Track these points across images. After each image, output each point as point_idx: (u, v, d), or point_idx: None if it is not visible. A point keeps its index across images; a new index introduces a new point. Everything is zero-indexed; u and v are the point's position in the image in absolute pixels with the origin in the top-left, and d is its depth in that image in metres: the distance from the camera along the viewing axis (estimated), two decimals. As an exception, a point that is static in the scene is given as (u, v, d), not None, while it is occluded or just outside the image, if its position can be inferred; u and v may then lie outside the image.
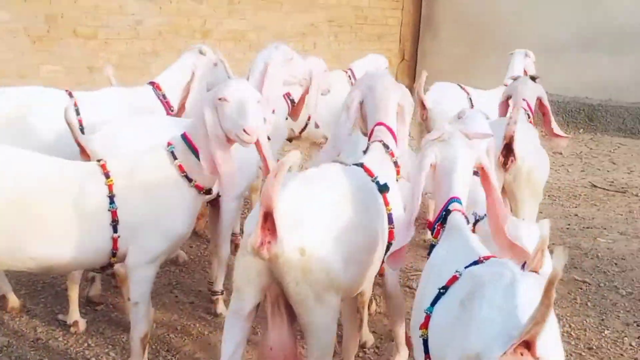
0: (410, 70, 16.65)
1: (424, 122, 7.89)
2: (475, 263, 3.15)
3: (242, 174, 5.42)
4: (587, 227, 8.68)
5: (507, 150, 5.35)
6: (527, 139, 5.60)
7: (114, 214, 4.26)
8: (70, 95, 5.84)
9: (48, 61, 9.88)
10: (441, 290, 3.13)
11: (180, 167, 4.41)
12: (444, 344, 2.96)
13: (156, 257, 4.46)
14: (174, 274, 6.63)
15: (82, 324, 5.41)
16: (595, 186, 10.61)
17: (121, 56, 10.80)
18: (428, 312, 3.16)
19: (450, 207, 3.53)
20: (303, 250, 3.46)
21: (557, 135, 6.72)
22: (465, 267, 3.14)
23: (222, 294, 5.82)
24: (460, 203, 3.57)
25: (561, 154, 12.60)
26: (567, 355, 5.29)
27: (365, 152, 4.43)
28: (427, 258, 3.56)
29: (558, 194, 10.12)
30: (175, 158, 4.42)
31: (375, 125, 4.45)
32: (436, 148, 3.70)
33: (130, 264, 4.40)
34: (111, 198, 4.28)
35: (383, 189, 4.10)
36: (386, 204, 4.10)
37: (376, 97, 4.51)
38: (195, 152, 4.39)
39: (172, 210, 4.43)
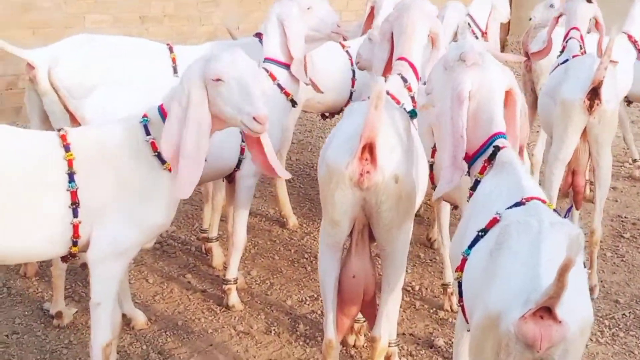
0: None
1: (528, 73, 7.16)
2: (517, 205, 2.95)
3: None
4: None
5: (593, 94, 5.10)
6: (609, 78, 5.19)
7: (73, 194, 3.53)
8: (171, 50, 5.33)
9: (94, 10, 9.18)
10: (480, 233, 2.98)
11: (152, 145, 3.63)
12: (474, 294, 2.85)
13: (125, 250, 3.68)
14: (193, 255, 5.85)
15: (66, 316, 4.72)
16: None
17: (177, 5, 10.01)
18: (465, 255, 3.05)
19: (498, 144, 3.31)
20: (397, 178, 3.51)
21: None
22: (507, 209, 2.95)
23: (235, 282, 5.03)
24: (506, 139, 3.35)
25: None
26: None
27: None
28: (470, 194, 3.37)
29: None
30: (148, 133, 3.65)
31: (397, 60, 4.34)
32: (472, 73, 3.38)
33: (93, 256, 3.64)
34: (70, 175, 3.52)
35: (413, 115, 4.03)
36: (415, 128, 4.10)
37: (401, 30, 4.35)
38: None
39: (144, 195, 3.67)
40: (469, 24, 7.09)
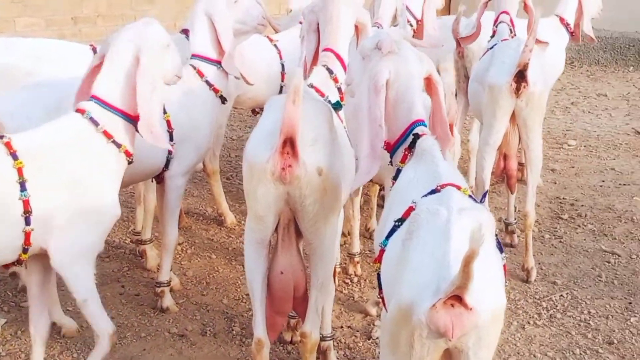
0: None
1: (460, 59, 7.16)
2: (432, 192, 2.95)
3: (192, 145, 4.86)
4: (624, 184, 7.57)
5: (520, 77, 5.13)
6: (535, 60, 5.25)
7: (25, 203, 3.54)
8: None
9: (24, 13, 8.98)
10: (396, 223, 2.97)
11: (105, 133, 3.82)
12: (389, 285, 2.88)
13: (91, 248, 3.81)
14: (127, 258, 5.76)
15: (-6, 325, 4.61)
16: (639, 133, 9.40)
17: (110, 4, 9.85)
18: (382, 246, 3.04)
19: (417, 131, 3.33)
20: (321, 170, 3.48)
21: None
22: (422, 197, 2.93)
23: (168, 284, 4.95)
24: (426, 126, 3.39)
25: (606, 95, 11.40)
26: (581, 352, 4.50)
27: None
28: (393, 184, 3.38)
29: (596, 143, 8.98)
30: (97, 124, 3.80)
31: (323, 51, 4.27)
32: (389, 62, 3.43)
33: (60, 261, 3.72)
34: (22, 184, 3.52)
35: (337, 106, 4.01)
36: (341, 120, 4.05)
37: (326, 20, 4.29)
38: (116, 111, 3.87)
39: (99, 190, 3.81)
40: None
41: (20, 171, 3.52)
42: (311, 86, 4.09)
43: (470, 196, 3.02)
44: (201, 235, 6.19)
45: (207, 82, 4.94)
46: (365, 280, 5.48)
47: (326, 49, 4.27)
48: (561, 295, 5.32)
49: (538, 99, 5.31)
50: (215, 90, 4.98)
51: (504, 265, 2.91)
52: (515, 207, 6.31)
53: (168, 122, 4.64)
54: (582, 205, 6.99)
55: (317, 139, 3.56)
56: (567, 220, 6.67)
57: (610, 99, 11.28)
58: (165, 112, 4.61)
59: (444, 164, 3.21)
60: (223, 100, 5.05)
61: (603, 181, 7.66)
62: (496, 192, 7.12)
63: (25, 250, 3.60)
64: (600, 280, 5.55)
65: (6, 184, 3.50)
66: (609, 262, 5.84)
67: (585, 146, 8.87)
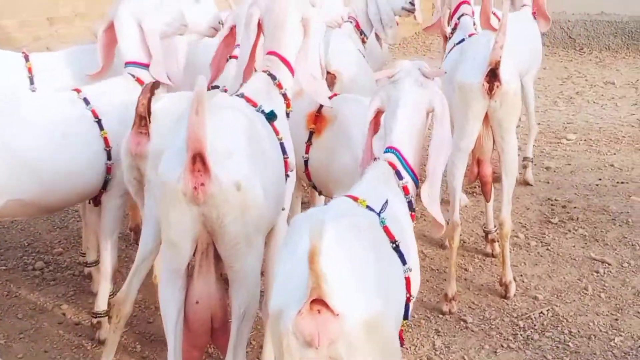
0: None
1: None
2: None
3: None
4: (622, 182, 7.10)
5: (492, 76, 4.71)
6: (507, 57, 4.77)
7: None
8: (27, 58, 4.89)
9: (-2, 15, 8.65)
10: None
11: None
12: None
13: None
14: (75, 281, 5.37)
15: None
16: (644, 125, 8.92)
17: (89, 2, 9.48)
18: None
19: (382, 156, 3.36)
20: (239, 185, 3.16)
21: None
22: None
23: (105, 314, 4.55)
24: (397, 155, 3.35)
25: (613, 83, 10.90)
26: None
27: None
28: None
29: (597, 137, 8.51)
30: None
31: (266, 55, 3.93)
32: (384, 91, 3.55)
33: None
34: None
35: (270, 117, 3.68)
36: (276, 132, 3.70)
37: (271, 20, 3.93)
38: None
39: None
40: None
41: None
42: (242, 96, 3.73)
43: (368, 206, 2.95)
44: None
45: None
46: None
47: (270, 52, 3.92)
48: (541, 313, 4.88)
49: (513, 98, 4.84)
50: None
51: (407, 277, 2.91)
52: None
53: (105, 139, 4.27)
54: (575, 207, 6.53)
55: (232, 151, 3.24)
56: (557, 224, 6.22)
57: (618, 87, 10.79)
58: (101, 129, 4.26)
59: (370, 177, 3.26)
60: None
61: (600, 179, 7.19)
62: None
63: None
64: (586, 294, 5.11)
65: None
66: (597, 272, 5.39)
67: (585, 140, 8.40)
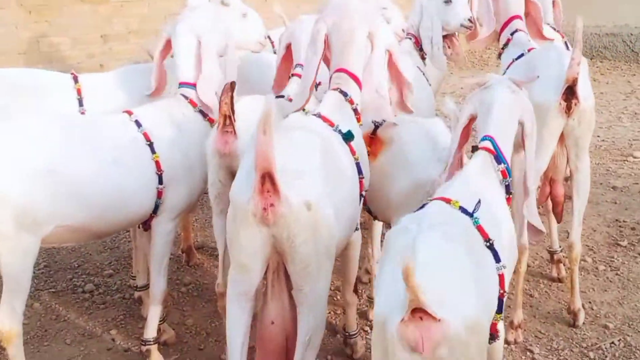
0: None
1: None
2: (422, 208, 3.12)
3: (185, 188, 4.31)
4: None
5: (569, 93, 4.53)
6: (583, 73, 4.62)
7: None
8: (76, 80, 4.78)
9: (50, 32, 8.58)
10: None
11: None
12: None
13: None
14: (125, 305, 5.22)
15: None
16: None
17: (142, 19, 9.41)
18: None
19: (480, 144, 3.40)
20: (309, 205, 3.11)
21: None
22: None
23: (155, 342, 4.39)
24: (493, 142, 3.38)
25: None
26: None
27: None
28: None
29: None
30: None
31: (335, 72, 3.93)
32: (476, 97, 3.57)
33: None
34: None
35: (348, 137, 3.71)
36: (353, 152, 3.72)
37: (340, 37, 3.91)
38: None
39: None
40: None
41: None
42: (319, 115, 3.74)
43: (461, 207, 3.02)
44: (212, 274, 5.61)
45: (200, 112, 4.41)
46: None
47: (339, 70, 3.91)
48: (612, 343, 4.60)
49: (590, 115, 4.66)
50: (211, 121, 4.41)
51: (501, 275, 2.99)
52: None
53: (157, 162, 4.11)
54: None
55: (303, 171, 3.21)
56: (627, 247, 5.92)
57: (640, 96, 10.42)
58: (153, 152, 4.11)
59: (467, 175, 3.29)
60: None
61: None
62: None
63: None
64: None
65: None
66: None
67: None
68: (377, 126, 4.24)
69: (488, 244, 2.97)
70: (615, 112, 10.12)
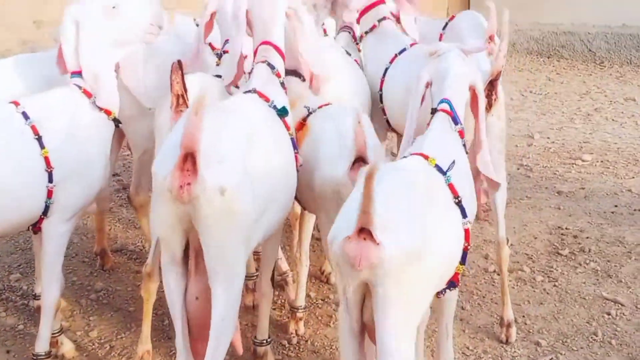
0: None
1: None
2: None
3: (81, 184, 3.98)
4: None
5: (491, 88, 4.51)
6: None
7: None
8: None
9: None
10: None
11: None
12: None
13: None
14: (29, 312, 4.84)
15: None
16: (666, 146, 8.33)
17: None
18: None
19: (438, 107, 3.58)
20: (223, 190, 3.11)
21: None
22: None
23: (47, 356, 4.01)
24: (450, 104, 3.56)
25: (634, 100, 10.32)
26: None
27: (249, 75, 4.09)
28: None
29: (615, 158, 7.94)
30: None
31: (260, 45, 4.06)
32: (432, 65, 3.75)
33: None
34: None
35: (282, 112, 3.83)
36: (287, 128, 3.83)
37: (262, 11, 4.07)
38: None
39: None
40: None
41: None
42: (254, 91, 3.84)
43: (437, 165, 3.22)
44: (127, 281, 5.25)
45: (94, 103, 4.07)
46: (306, 341, 4.54)
47: (265, 42, 4.04)
48: (543, 363, 4.34)
49: (504, 109, 4.69)
50: (107, 112, 4.11)
51: (467, 229, 3.22)
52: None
53: (46, 159, 3.76)
54: (587, 238, 5.97)
55: (227, 155, 3.21)
56: (567, 256, 5.66)
57: (639, 104, 10.19)
58: (42, 147, 3.76)
59: (436, 135, 3.45)
60: (117, 122, 4.20)
61: (616, 206, 6.62)
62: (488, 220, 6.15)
63: None
64: (594, 340, 4.55)
65: None
66: (608, 314, 4.83)
67: (601, 162, 7.83)
68: (309, 113, 4.19)
69: (457, 200, 3.19)
70: (568, 112, 9.90)
